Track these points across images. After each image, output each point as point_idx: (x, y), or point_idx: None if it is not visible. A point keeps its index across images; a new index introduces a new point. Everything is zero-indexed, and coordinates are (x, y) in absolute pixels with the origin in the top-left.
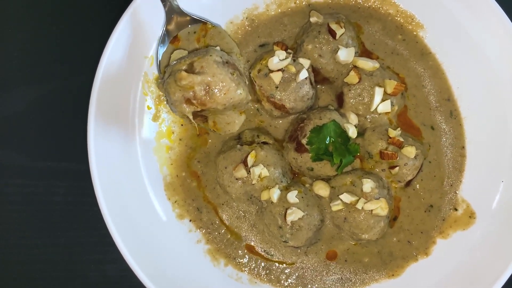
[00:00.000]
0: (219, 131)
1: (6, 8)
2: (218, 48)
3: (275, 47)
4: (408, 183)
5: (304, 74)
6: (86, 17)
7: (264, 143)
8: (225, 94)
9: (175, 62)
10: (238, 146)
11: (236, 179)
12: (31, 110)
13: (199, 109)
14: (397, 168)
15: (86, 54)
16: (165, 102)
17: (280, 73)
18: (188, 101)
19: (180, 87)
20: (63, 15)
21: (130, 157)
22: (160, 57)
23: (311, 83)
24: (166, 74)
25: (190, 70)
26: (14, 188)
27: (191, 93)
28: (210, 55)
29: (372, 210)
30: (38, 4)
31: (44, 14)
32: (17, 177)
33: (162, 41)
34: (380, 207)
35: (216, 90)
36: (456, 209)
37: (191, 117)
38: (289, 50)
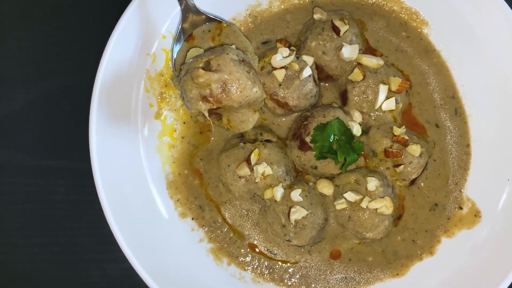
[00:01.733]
0: (233, 129)
1: (6, 5)
2: (233, 46)
3: (278, 44)
4: (413, 182)
5: (307, 72)
6: (88, 14)
7: (268, 141)
8: (241, 92)
9: (191, 59)
10: (241, 144)
11: (239, 177)
12: (32, 108)
13: (215, 107)
14: (401, 167)
15: (88, 52)
16: (181, 99)
17: (283, 70)
18: (205, 98)
19: (197, 84)
20: (65, 12)
21: (132, 156)
22: (175, 55)
23: (315, 81)
24: (183, 71)
25: (207, 68)
26: (14, 187)
27: (207, 90)
28: (227, 53)
29: (376, 209)
30: (39, 1)
31: (45, 11)
32: (17, 175)
33: (177, 39)
34: (385, 206)
35: (233, 88)
36: (461, 208)
37: (206, 114)
38: (292, 47)
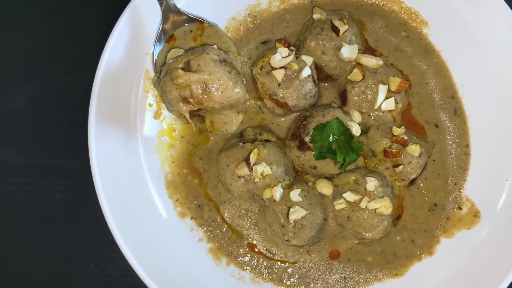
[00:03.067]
0: (216, 131)
1: (6, 5)
2: (215, 46)
3: (277, 44)
4: (412, 182)
5: (307, 72)
6: (87, 14)
7: (267, 141)
8: (222, 92)
9: (171, 60)
10: (241, 144)
11: (238, 177)
12: (31, 107)
13: (196, 108)
14: (401, 167)
15: (87, 51)
16: (162, 102)
17: (282, 70)
18: (185, 100)
19: (177, 85)
20: (63, 12)
21: (131, 155)
22: (156, 57)
23: (314, 81)
24: (163, 73)
25: (187, 68)
26: (14, 186)
27: (188, 91)
28: (207, 53)
29: (376, 209)
30: (38, 1)
31: (44, 11)
32: (17, 175)
33: (158, 40)
34: (384, 206)
35: (213, 88)
36: (460, 208)
37: (188, 116)
38: (291, 47)
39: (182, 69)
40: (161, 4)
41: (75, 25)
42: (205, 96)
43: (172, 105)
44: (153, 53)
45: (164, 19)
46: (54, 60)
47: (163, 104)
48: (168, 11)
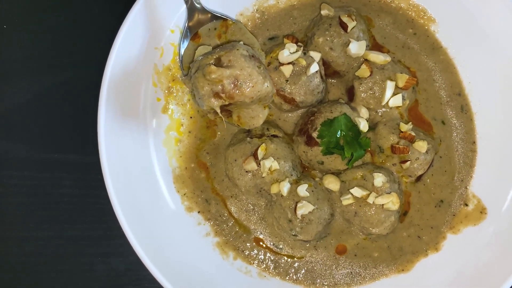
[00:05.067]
0: (243, 125)
1: None
2: (241, 43)
3: (285, 40)
4: (419, 178)
5: (314, 68)
6: (93, 8)
7: (274, 136)
8: (253, 87)
9: (201, 57)
10: (248, 139)
11: (246, 172)
12: (37, 101)
13: (227, 103)
14: (408, 163)
15: (94, 46)
16: (192, 97)
17: (290, 66)
18: (217, 95)
19: (209, 81)
20: (72, 6)
21: (140, 150)
22: (182, 54)
23: (322, 77)
24: (193, 69)
25: (218, 64)
26: (20, 180)
27: (219, 87)
28: (237, 49)
29: (383, 205)
30: None
31: (51, 4)
32: (23, 169)
33: (183, 37)
34: (391, 202)
35: (245, 83)
36: (466, 205)
37: (219, 111)
38: (299, 43)
39: (214, 65)
40: (186, 3)
41: (81, 19)
42: (237, 91)
43: (204, 100)
44: (179, 51)
45: (189, 17)
46: (60, 55)
47: (193, 100)
48: (193, 9)
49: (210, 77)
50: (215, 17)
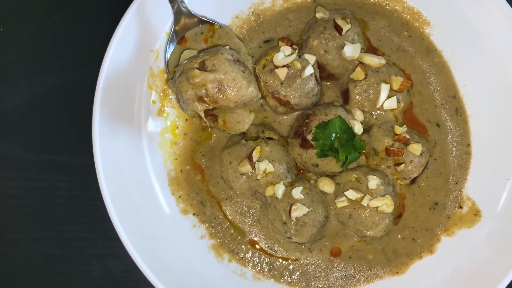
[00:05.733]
0: (228, 130)
1: (9, 0)
2: (227, 47)
3: (280, 43)
4: (413, 181)
5: (309, 70)
6: (92, 9)
7: (269, 138)
8: (237, 91)
9: (186, 61)
10: (243, 141)
11: (241, 174)
12: (35, 103)
13: (211, 107)
14: (402, 165)
15: (91, 47)
16: (176, 102)
17: (285, 69)
18: (201, 99)
19: (193, 85)
20: (68, 8)
21: (135, 152)
22: (168, 58)
23: (317, 79)
24: (177, 73)
25: (202, 68)
26: (17, 182)
27: (203, 91)
28: (222, 53)
29: (377, 207)
30: None
31: (48, 6)
32: (20, 170)
33: (169, 41)
34: (386, 204)
35: (229, 87)
36: (461, 207)
37: (203, 115)
38: (294, 46)
39: (198, 68)
40: (173, 7)
41: (78, 21)
42: (221, 95)
43: (187, 104)
44: (165, 54)
45: (176, 21)
46: (57, 56)
47: (175, 103)
48: (180, 13)
49: (193, 81)
50: (201, 21)
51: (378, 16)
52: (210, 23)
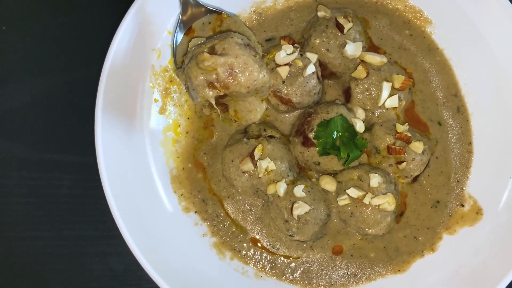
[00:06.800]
0: (240, 120)
1: (12, 0)
2: (237, 33)
3: (282, 42)
4: (415, 179)
5: (311, 69)
6: (94, 9)
7: (271, 136)
8: (249, 75)
9: (195, 47)
10: (245, 139)
11: (243, 172)
12: (37, 102)
13: (222, 93)
14: (404, 164)
15: (93, 46)
16: (186, 91)
17: (287, 67)
18: (211, 84)
19: (203, 70)
20: (69, 8)
21: (137, 151)
22: (175, 49)
23: (318, 78)
24: (187, 59)
25: (212, 52)
26: (19, 181)
27: (214, 76)
28: (231, 37)
29: (379, 205)
30: None
31: (50, 5)
32: (22, 169)
33: (177, 32)
34: (387, 202)
35: (240, 71)
36: (462, 205)
37: (213, 102)
38: (296, 45)
39: (208, 52)
40: None
41: (80, 21)
42: (232, 80)
43: (198, 91)
44: (173, 43)
45: (183, 11)
46: (60, 56)
47: (188, 93)
48: (187, 3)
49: (203, 65)
50: (209, 11)
51: (379, 14)
52: (218, 13)
